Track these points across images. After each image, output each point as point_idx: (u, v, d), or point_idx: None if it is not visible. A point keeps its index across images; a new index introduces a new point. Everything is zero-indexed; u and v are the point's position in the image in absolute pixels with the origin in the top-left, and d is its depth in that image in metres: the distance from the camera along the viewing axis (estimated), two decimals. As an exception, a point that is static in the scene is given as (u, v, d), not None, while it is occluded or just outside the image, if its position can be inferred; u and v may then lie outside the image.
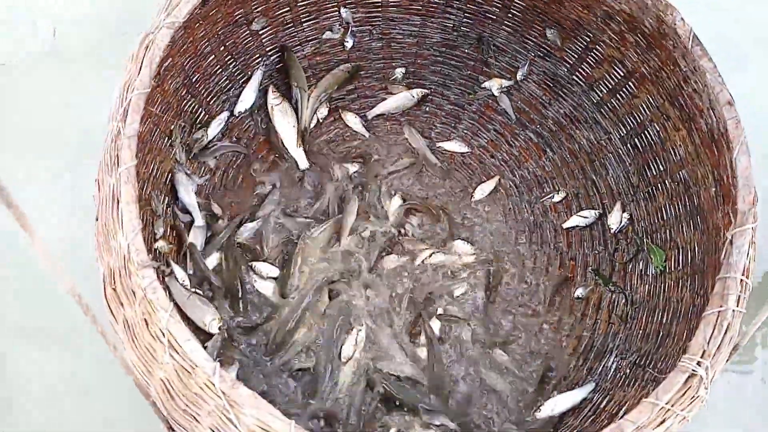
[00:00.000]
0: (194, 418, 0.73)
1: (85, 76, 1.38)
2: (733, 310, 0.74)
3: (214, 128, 1.19)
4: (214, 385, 0.67)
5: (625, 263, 1.17)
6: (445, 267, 1.21)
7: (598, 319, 1.15)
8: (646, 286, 1.13)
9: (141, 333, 0.74)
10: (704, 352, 0.72)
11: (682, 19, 0.92)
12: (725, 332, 0.73)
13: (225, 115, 1.20)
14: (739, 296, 0.75)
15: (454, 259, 1.21)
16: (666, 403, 0.69)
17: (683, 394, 0.71)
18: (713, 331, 0.73)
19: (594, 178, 1.25)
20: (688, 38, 0.91)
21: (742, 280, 0.75)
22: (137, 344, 0.75)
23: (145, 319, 0.73)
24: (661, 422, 0.70)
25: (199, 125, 1.18)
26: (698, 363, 0.71)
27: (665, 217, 1.12)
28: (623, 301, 1.14)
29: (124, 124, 0.79)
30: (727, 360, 0.79)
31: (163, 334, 0.70)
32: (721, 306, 0.74)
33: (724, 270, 0.77)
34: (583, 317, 1.16)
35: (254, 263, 1.15)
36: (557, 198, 1.26)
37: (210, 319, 1.04)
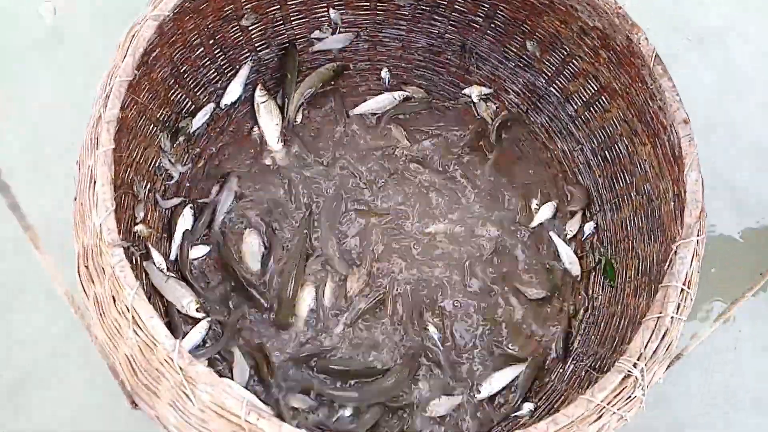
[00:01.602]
0: (155, 393, 0.76)
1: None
2: (672, 317, 0.78)
3: (200, 118, 1.23)
4: (172, 360, 0.71)
5: (588, 271, 1.21)
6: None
7: (559, 324, 1.19)
8: (607, 293, 1.17)
9: (108, 309, 0.78)
10: (640, 355, 0.76)
11: (645, 38, 0.96)
12: (662, 337, 0.77)
13: (211, 106, 1.24)
14: (679, 304, 0.79)
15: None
16: (601, 401, 0.73)
17: (618, 394, 0.75)
18: (651, 336, 0.77)
19: (565, 187, 1.29)
20: (651, 57, 0.95)
21: (682, 290, 0.79)
22: (105, 320, 0.79)
23: (113, 296, 0.76)
24: (597, 418, 0.74)
25: (184, 115, 1.21)
26: (634, 365, 0.75)
27: (629, 228, 1.16)
28: (584, 307, 1.19)
29: (105, 108, 0.83)
30: (668, 367, 0.83)
31: (128, 311, 0.73)
32: (660, 312, 0.78)
33: (667, 279, 0.81)
34: (545, 320, 1.20)
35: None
36: (534, 205, 1.29)
37: (187, 301, 1.09)
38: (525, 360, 1.13)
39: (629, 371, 0.74)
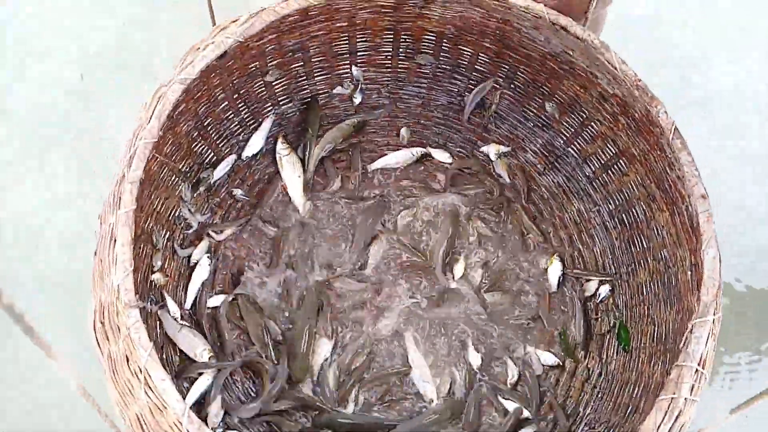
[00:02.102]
0: (163, 455, 0.77)
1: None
2: (686, 399, 0.77)
3: (221, 170, 1.25)
4: (182, 424, 0.71)
5: (602, 334, 1.20)
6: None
7: (571, 386, 1.17)
8: (621, 358, 1.15)
9: (122, 368, 0.79)
10: (653, 438, 0.75)
11: (665, 112, 0.97)
12: (675, 419, 0.76)
13: (232, 158, 1.26)
14: (693, 385, 0.78)
15: None
16: (613, 485, 0.72)
17: (630, 478, 0.73)
18: (664, 418, 0.76)
19: (581, 248, 1.29)
20: (670, 131, 0.95)
21: (697, 370, 0.78)
22: (117, 378, 0.80)
23: (127, 356, 0.77)
24: (607, 502, 0.73)
25: (206, 166, 1.24)
26: (646, 448, 0.74)
27: (645, 293, 1.15)
28: (598, 371, 1.17)
29: (129, 169, 0.85)
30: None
31: (141, 372, 0.74)
32: (674, 393, 0.77)
33: (682, 358, 0.80)
34: (557, 383, 1.19)
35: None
36: (542, 265, 1.29)
37: (201, 350, 1.09)
38: (535, 421, 1.12)
39: (641, 455, 0.73)
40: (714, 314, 0.82)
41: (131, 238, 0.80)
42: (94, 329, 0.84)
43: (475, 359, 1.19)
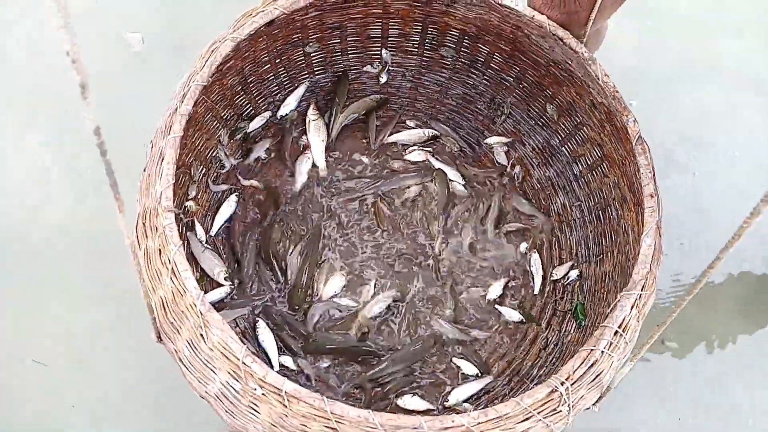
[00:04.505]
0: (177, 331, 0.96)
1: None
2: (602, 352, 0.93)
3: (256, 123, 1.44)
4: (196, 306, 0.90)
5: (564, 311, 1.36)
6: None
7: (530, 351, 1.34)
8: (577, 334, 1.31)
9: (155, 259, 0.98)
10: (569, 376, 0.91)
11: (634, 121, 1.12)
12: (590, 366, 0.92)
13: (267, 114, 1.45)
14: (611, 343, 0.94)
15: None
16: (528, 406, 0.89)
17: (544, 404, 0.90)
18: (581, 363, 0.92)
19: (559, 235, 1.45)
20: (635, 137, 1.11)
21: (617, 332, 0.95)
22: (150, 267, 0.99)
23: (160, 249, 0.96)
24: (524, 420, 0.89)
25: (244, 117, 1.43)
26: (561, 383, 0.90)
27: (606, 281, 1.31)
28: (555, 342, 1.33)
29: (181, 104, 1.04)
30: (598, 400, 0.98)
31: (170, 262, 0.93)
32: (594, 346, 0.93)
33: (607, 320, 0.96)
34: (518, 346, 1.35)
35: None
36: (523, 249, 1.46)
37: (218, 270, 1.29)
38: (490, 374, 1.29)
39: (556, 387, 0.90)
40: (642, 290, 0.98)
41: (176, 158, 0.99)
42: (137, 228, 1.04)
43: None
